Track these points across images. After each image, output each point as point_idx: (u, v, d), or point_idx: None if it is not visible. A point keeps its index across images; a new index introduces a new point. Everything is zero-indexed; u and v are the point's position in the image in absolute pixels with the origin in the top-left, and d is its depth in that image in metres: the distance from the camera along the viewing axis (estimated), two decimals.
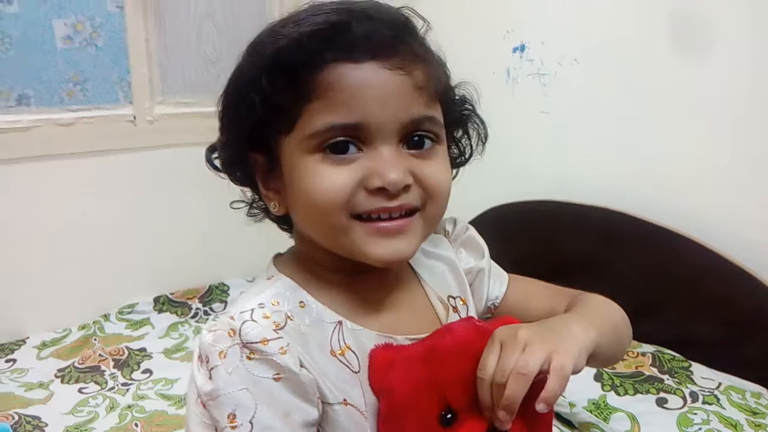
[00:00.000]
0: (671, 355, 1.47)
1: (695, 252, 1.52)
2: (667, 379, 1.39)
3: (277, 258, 0.72)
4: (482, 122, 0.75)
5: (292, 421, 0.59)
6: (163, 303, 2.17)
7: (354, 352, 0.64)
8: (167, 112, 2.21)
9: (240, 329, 0.59)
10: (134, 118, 2.16)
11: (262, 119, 0.64)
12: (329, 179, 0.61)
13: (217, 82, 2.62)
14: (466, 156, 0.76)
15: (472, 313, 0.77)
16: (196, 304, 2.19)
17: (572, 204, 1.78)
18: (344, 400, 0.62)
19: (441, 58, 0.69)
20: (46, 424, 1.55)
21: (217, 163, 0.71)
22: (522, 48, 1.91)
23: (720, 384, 1.37)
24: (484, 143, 0.76)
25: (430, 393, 0.62)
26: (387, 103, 0.61)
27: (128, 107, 2.15)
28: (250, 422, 0.58)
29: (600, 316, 0.70)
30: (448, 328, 0.68)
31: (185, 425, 0.62)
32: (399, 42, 0.62)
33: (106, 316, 2.09)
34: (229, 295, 2.23)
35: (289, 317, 0.63)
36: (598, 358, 0.63)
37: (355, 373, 0.64)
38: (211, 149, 0.72)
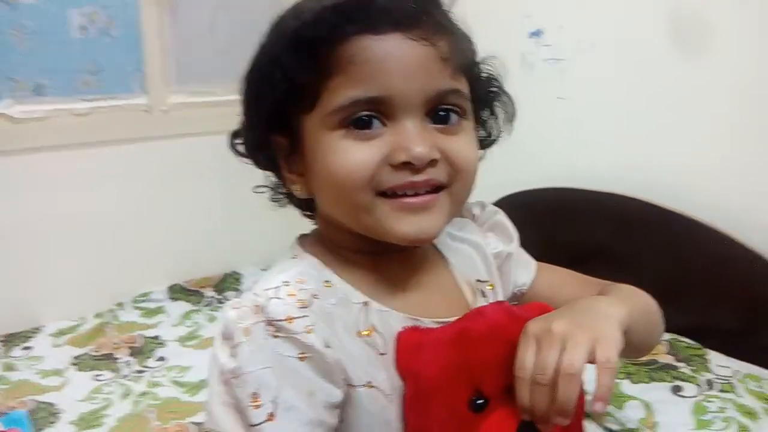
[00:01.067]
0: (687, 342, 1.45)
1: (713, 239, 1.50)
2: (683, 366, 1.38)
3: (302, 238, 0.71)
4: (510, 99, 0.73)
5: (315, 401, 0.57)
6: (177, 291, 2.18)
7: (380, 334, 0.63)
8: (181, 102, 2.21)
9: (265, 306, 0.58)
10: (149, 107, 2.16)
11: (284, 98, 0.62)
12: (353, 156, 0.59)
13: (231, 71, 2.62)
14: (493, 137, 0.74)
15: (501, 298, 0.75)
16: (209, 292, 2.19)
17: (589, 191, 1.76)
18: (369, 382, 0.61)
19: (467, 33, 0.67)
20: (62, 411, 1.56)
21: (240, 148, 0.70)
22: (538, 33, 1.89)
23: (737, 372, 1.35)
24: (511, 121, 0.73)
25: (459, 377, 0.60)
26: (411, 75, 0.59)
27: (143, 97, 2.16)
28: (273, 402, 0.56)
29: (630, 298, 0.68)
30: (479, 312, 0.66)
31: (206, 403, 0.61)
32: (422, 13, 0.61)
33: (120, 305, 2.10)
34: (242, 283, 2.24)
35: (314, 296, 0.61)
36: (630, 340, 0.61)
37: (381, 354, 0.62)
38: (234, 134, 0.70)
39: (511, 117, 0.73)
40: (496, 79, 0.72)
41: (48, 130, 2.00)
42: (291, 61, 0.61)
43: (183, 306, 2.13)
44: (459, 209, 0.68)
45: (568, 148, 1.84)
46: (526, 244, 0.86)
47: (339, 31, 0.59)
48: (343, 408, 0.61)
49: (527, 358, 0.56)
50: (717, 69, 1.51)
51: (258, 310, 0.58)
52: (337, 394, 0.59)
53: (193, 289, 2.20)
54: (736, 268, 1.46)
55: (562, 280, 0.80)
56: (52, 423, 1.52)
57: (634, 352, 0.70)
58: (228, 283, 2.23)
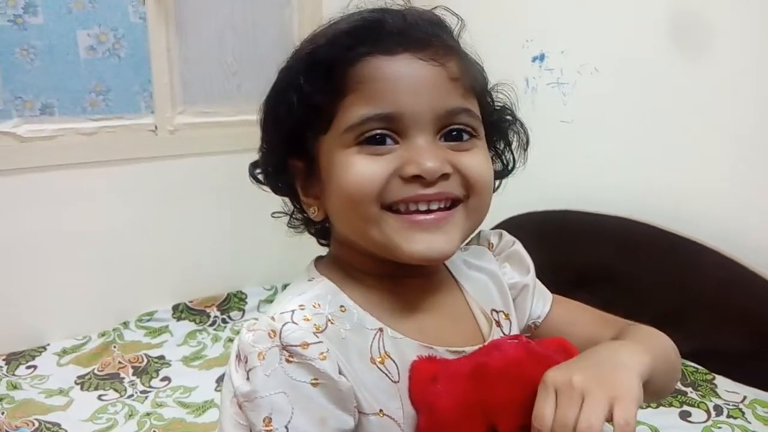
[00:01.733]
0: (694, 367, 1.44)
1: (718, 263, 1.49)
2: (691, 392, 1.37)
3: (318, 260, 0.71)
4: (523, 128, 0.74)
5: (327, 428, 0.58)
6: (181, 311, 2.17)
7: (394, 361, 0.63)
8: (188, 122, 2.22)
9: (280, 331, 0.58)
10: (155, 127, 2.17)
11: (301, 120, 0.64)
12: (363, 169, 0.60)
13: (237, 92, 2.65)
14: (510, 168, 0.74)
15: (516, 330, 0.74)
16: (214, 312, 2.19)
17: (592, 214, 1.76)
18: (380, 410, 0.61)
19: (476, 59, 0.69)
20: (66, 431, 1.56)
21: (259, 176, 0.72)
22: (541, 57, 1.91)
23: (745, 397, 1.34)
24: (525, 149, 0.74)
25: (475, 413, 0.60)
26: (421, 93, 0.61)
27: (150, 117, 2.17)
28: (286, 427, 0.57)
29: (651, 343, 0.67)
30: (496, 346, 0.65)
31: (218, 424, 0.62)
32: (432, 36, 0.63)
33: (125, 324, 2.10)
34: (247, 303, 2.23)
35: (330, 321, 0.62)
36: (650, 388, 0.60)
37: (395, 382, 0.62)
38: (254, 164, 0.72)
39: (525, 145, 0.74)
40: (509, 108, 0.73)
41: (55, 149, 2.02)
42: (307, 83, 0.63)
43: (187, 326, 2.12)
44: (476, 226, 0.68)
45: (571, 171, 1.85)
46: None
47: (352, 53, 0.61)
48: None
49: (546, 411, 0.55)
50: (721, 92, 1.51)
51: (273, 334, 0.58)
52: (348, 422, 0.59)
53: (197, 308, 2.19)
54: (742, 292, 1.45)
55: (578, 315, 0.79)
56: None
57: (653, 398, 0.70)
58: (233, 303, 2.23)
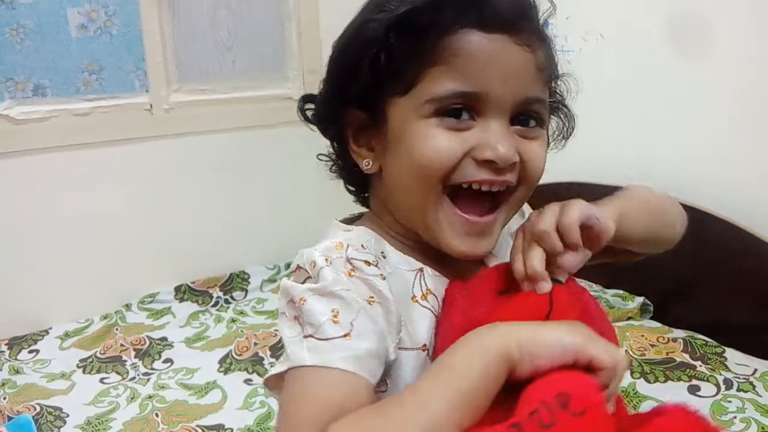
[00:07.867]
0: (704, 340, 1.42)
1: (730, 234, 1.46)
2: (700, 365, 1.35)
3: (355, 216, 0.72)
4: (572, 118, 0.75)
5: (381, 345, 0.58)
6: (184, 292, 2.16)
7: (435, 297, 0.64)
8: (184, 100, 2.18)
9: (347, 247, 0.61)
10: (151, 106, 2.14)
11: (379, 79, 0.63)
12: (440, 143, 0.60)
13: (232, 68, 2.58)
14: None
15: None
16: (216, 292, 2.17)
17: (600, 185, 1.73)
18: (424, 345, 0.62)
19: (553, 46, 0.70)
20: (68, 415, 1.55)
21: (308, 114, 0.71)
22: (545, 24, 1.85)
23: (755, 370, 1.32)
24: (566, 138, 0.75)
25: (488, 282, 0.62)
26: (510, 79, 0.61)
27: (144, 96, 2.13)
28: (351, 323, 0.56)
29: (620, 197, 0.70)
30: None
31: (284, 350, 0.59)
32: (527, 19, 0.63)
33: (127, 306, 2.09)
34: (249, 283, 2.22)
35: (378, 261, 0.63)
36: (634, 232, 0.66)
37: (437, 317, 0.63)
38: (305, 99, 0.71)
39: (567, 134, 0.75)
40: (564, 104, 0.74)
41: (49, 130, 1.99)
42: (397, 42, 0.62)
43: (190, 307, 2.11)
44: (514, 215, 0.69)
45: (576, 142, 1.80)
46: None
47: (451, 23, 0.60)
48: (388, 371, 0.60)
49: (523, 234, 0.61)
50: (735, 58, 1.47)
51: (341, 246, 0.61)
52: (390, 351, 0.59)
53: (199, 289, 2.18)
54: (754, 263, 1.43)
55: None
56: (58, 427, 1.51)
57: (649, 246, 0.73)
58: (235, 283, 2.21)
